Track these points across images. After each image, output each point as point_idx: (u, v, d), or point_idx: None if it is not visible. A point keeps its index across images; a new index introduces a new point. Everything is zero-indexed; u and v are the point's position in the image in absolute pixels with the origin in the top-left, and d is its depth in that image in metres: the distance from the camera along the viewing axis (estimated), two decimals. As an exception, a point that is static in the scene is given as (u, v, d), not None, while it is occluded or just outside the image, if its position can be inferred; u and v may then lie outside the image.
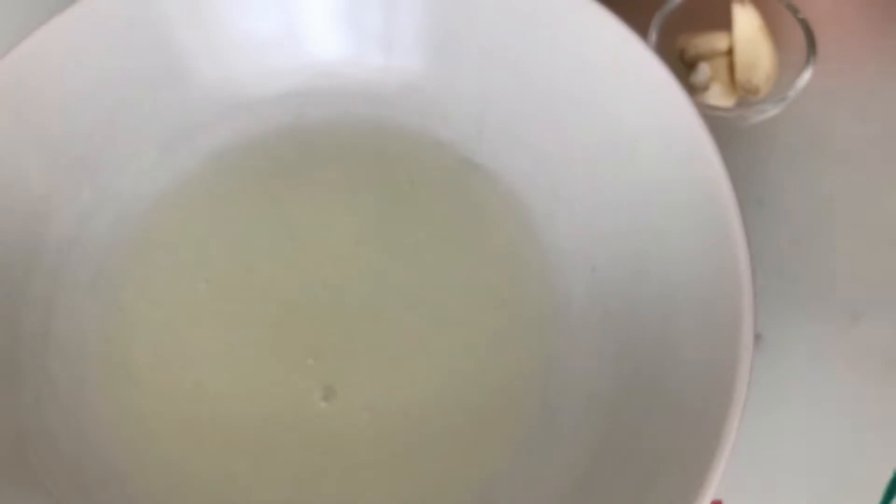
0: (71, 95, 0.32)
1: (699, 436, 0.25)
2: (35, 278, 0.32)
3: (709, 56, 0.35)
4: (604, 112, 0.31)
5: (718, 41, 0.35)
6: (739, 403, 0.24)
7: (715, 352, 0.26)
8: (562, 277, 0.32)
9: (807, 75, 0.34)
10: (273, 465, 0.30)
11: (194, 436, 0.30)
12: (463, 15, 0.32)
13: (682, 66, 0.36)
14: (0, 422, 0.29)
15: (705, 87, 0.35)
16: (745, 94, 0.35)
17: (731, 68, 0.35)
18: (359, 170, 0.35)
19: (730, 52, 0.35)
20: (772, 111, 0.34)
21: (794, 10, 0.34)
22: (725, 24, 0.35)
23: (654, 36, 0.34)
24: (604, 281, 0.31)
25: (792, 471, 0.31)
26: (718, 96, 0.35)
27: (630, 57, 0.30)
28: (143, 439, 0.31)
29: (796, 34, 0.34)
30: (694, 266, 0.28)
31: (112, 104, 0.33)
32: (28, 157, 0.32)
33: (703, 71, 0.34)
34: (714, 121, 0.34)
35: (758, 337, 0.33)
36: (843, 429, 0.31)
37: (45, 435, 0.30)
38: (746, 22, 0.35)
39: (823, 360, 0.32)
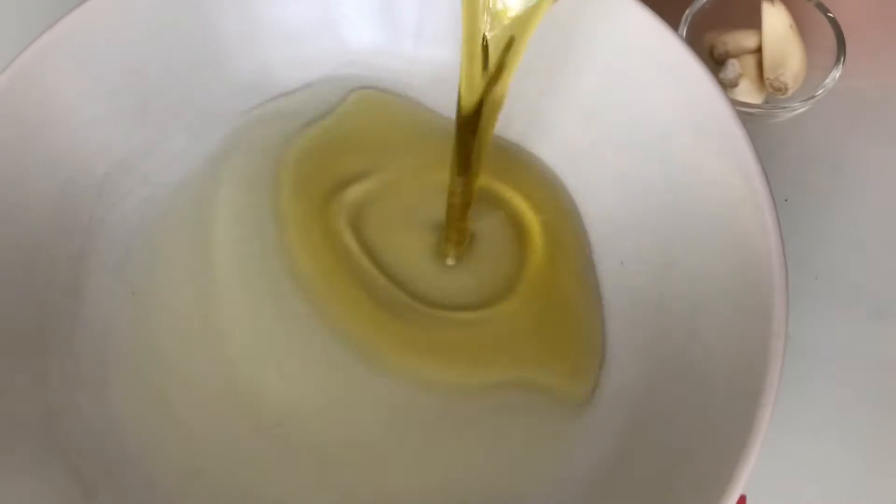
0: (103, 79, 0.32)
1: (728, 431, 0.25)
2: (62, 261, 0.32)
3: (738, 53, 0.35)
4: (635, 105, 0.31)
5: (747, 39, 0.35)
6: (771, 398, 0.24)
7: (745, 346, 0.26)
8: (589, 269, 0.32)
9: (836, 74, 0.34)
10: (296, 448, 0.30)
11: (218, 416, 0.31)
12: (495, 6, 0.32)
13: (712, 62, 0.36)
14: (28, 401, 0.29)
15: (734, 84, 0.35)
16: (774, 92, 0.35)
17: (760, 66, 0.35)
18: (389, 158, 0.35)
19: (759, 50, 0.35)
20: (800, 109, 0.34)
21: (824, 9, 0.34)
22: (755, 22, 0.35)
23: (683, 32, 0.35)
24: (632, 274, 0.31)
25: (817, 468, 0.31)
26: (747, 93, 0.35)
27: (663, 50, 0.30)
28: (167, 420, 0.31)
29: (825, 33, 0.34)
30: (724, 260, 0.28)
31: (145, 89, 0.33)
32: (58, 138, 0.31)
33: (733, 67, 0.35)
34: (741, 117, 0.34)
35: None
36: (869, 426, 0.32)
37: (71, 415, 0.30)
38: (776, 20, 0.35)
39: (849, 358, 0.33)
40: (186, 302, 0.33)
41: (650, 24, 0.30)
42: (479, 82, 0.27)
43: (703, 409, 0.26)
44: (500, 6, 0.24)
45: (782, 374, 0.25)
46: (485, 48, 0.26)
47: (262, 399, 0.31)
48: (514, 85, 0.33)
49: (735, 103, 0.34)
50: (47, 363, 0.30)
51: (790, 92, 0.35)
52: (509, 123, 0.34)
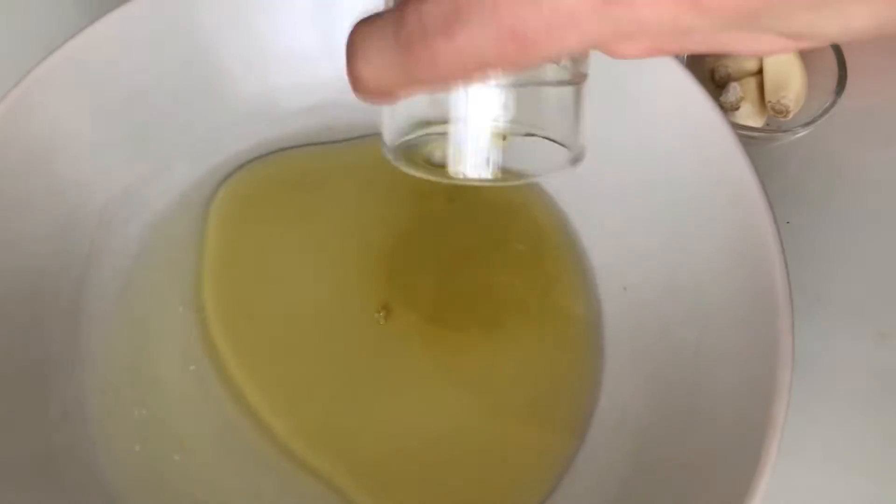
0: (104, 106, 0.32)
1: (737, 457, 0.25)
2: (64, 287, 0.32)
3: (739, 76, 0.35)
4: (636, 131, 0.31)
5: (748, 61, 0.35)
6: (779, 424, 0.24)
7: (752, 371, 0.26)
8: (592, 295, 0.32)
9: (837, 98, 0.34)
10: (299, 482, 0.30)
11: (223, 450, 0.30)
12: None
13: (712, 85, 0.36)
14: (29, 436, 0.29)
15: (735, 108, 0.35)
16: (775, 115, 0.35)
17: (761, 88, 0.35)
18: (387, 182, 0.35)
19: (760, 73, 0.35)
20: (801, 132, 0.34)
21: (824, 32, 0.34)
22: (755, 44, 0.35)
23: (684, 55, 0.34)
24: (636, 299, 0.31)
25: (822, 490, 0.31)
26: (748, 117, 0.35)
27: (663, 76, 0.30)
28: (169, 449, 0.30)
29: (826, 55, 0.35)
30: (729, 286, 0.28)
31: (145, 116, 0.33)
32: (59, 166, 0.31)
33: (734, 91, 0.35)
34: (743, 140, 0.34)
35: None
36: (874, 445, 0.31)
37: (68, 444, 0.30)
38: (776, 43, 0.35)
39: (852, 380, 0.32)
40: (188, 328, 0.32)
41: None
42: None
43: (709, 438, 0.26)
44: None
45: (790, 402, 0.24)
46: None
47: (267, 427, 0.31)
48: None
49: (736, 127, 0.34)
50: (48, 391, 0.30)
51: (791, 115, 0.35)
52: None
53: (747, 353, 0.26)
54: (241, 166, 0.35)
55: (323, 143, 0.36)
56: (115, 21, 0.30)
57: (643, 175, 0.31)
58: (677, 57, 0.34)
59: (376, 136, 0.35)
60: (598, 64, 0.31)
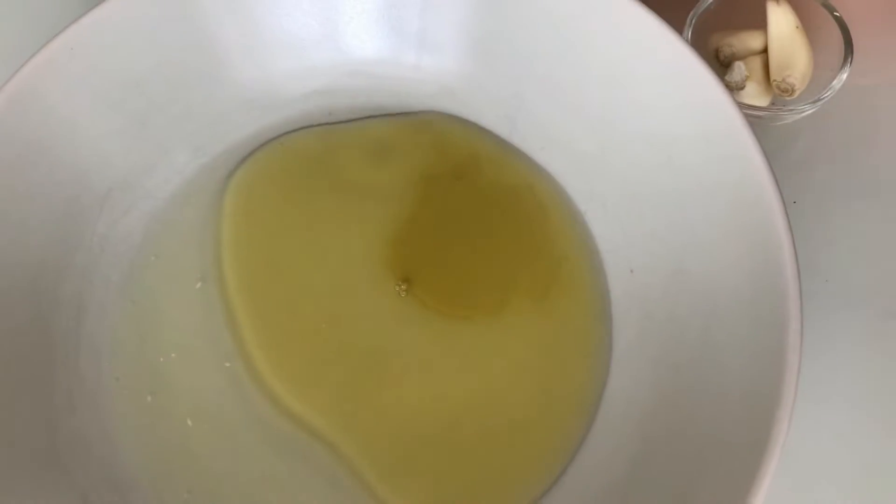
0: (103, 94, 0.31)
1: (744, 442, 0.25)
2: (67, 278, 0.32)
3: (744, 55, 0.35)
4: (641, 111, 0.31)
5: (753, 40, 0.35)
6: (788, 409, 0.24)
7: (760, 357, 0.26)
8: (600, 277, 0.32)
9: (843, 75, 0.33)
10: (311, 466, 0.30)
11: (224, 437, 0.30)
12: (498, 16, 0.32)
13: (717, 65, 0.35)
14: (33, 422, 0.29)
15: (741, 87, 0.34)
16: (781, 94, 0.34)
17: (766, 67, 0.35)
18: (394, 162, 0.34)
19: (765, 51, 0.35)
20: (807, 111, 0.34)
21: (831, 9, 0.34)
22: (760, 22, 0.35)
23: (688, 35, 0.34)
24: (643, 283, 0.31)
25: (831, 469, 0.31)
26: (753, 96, 0.34)
27: (668, 55, 0.29)
28: (173, 438, 0.30)
29: (832, 33, 0.34)
30: (736, 268, 0.27)
31: (145, 103, 0.32)
32: (60, 156, 0.31)
33: (739, 70, 0.34)
34: (749, 119, 0.34)
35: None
36: (881, 425, 0.31)
37: (76, 435, 0.30)
38: (781, 20, 0.34)
39: (859, 359, 0.32)
40: (191, 317, 0.32)
41: (654, 28, 0.29)
42: None
43: (717, 422, 0.26)
44: None
45: (798, 385, 0.24)
46: None
47: (270, 425, 0.31)
48: (520, 91, 0.33)
49: (742, 106, 0.33)
50: (53, 382, 0.30)
51: (797, 93, 0.34)
52: (515, 131, 0.34)
53: (755, 336, 0.26)
54: (248, 154, 0.35)
55: (326, 125, 0.35)
56: (111, 9, 0.30)
57: (649, 156, 0.31)
58: (682, 36, 0.34)
59: (379, 118, 0.35)
60: (601, 45, 0.31)
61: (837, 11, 0.34)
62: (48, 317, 0.31)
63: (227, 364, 0.31)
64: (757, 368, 0.25)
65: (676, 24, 0.33)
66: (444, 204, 0.34)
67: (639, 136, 0.31)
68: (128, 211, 0.33)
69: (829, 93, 0.33)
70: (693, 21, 0.34)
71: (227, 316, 0.32)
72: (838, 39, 0.34)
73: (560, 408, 0.30)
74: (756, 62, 0.35)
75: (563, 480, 0.29)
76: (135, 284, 0.33)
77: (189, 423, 0.31)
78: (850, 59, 0.33)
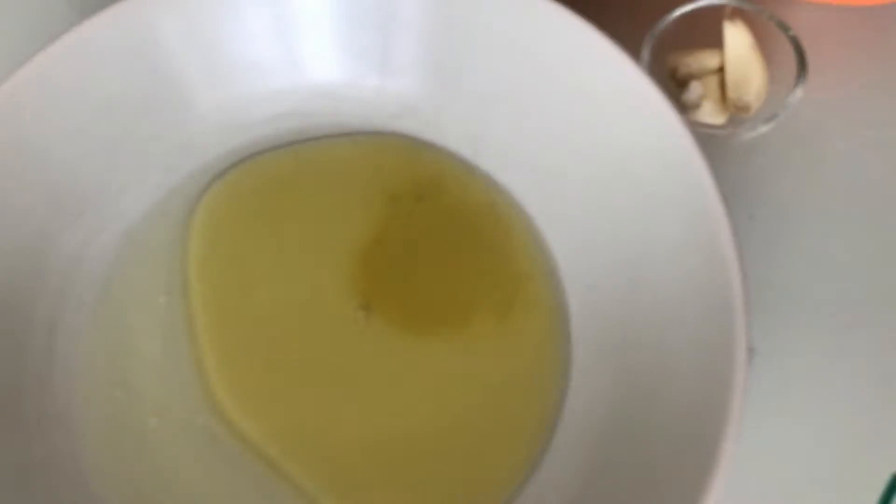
0: (72, 120, 0.32)
1: (694, 454, 0.25)
2: (40, 299, 0.32)
3: (700, 74, 0.36)
4: (597, 131, 0.31)
5: (710, 59, 0.36)
6: (735, 423, 0.25)
7: (709, 370, 0.26)
8: (558, 294, 0.32)
9: (798, 93, 0.34)
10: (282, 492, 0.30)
11: (201, 454, 0.31)
12: (459, 39, 0.33)
13: (674, 84, 0.36)
14: (4, 444, 0.29)
15: (697, 105, 0.35)
16: (737, 112, 0.35)
17: (723, 86, 0.35)
18: (359, 182, 0.35)
19: (721, 70, 0.36)
20: (763, 128, 0.34)
21: (785, 28, 0.35)
22: (717, 41, 0.36)
23: (646, 54, 0.35)
24: (600, 299, 0.31)
25: (788, 480, 0.31)
26: (710, 114, 0.35)
27: (622, 77, 0.30)
28: (143, 460, 0.31)
29: (787, 51, 0.35)
30: (687, 284, 0.28)
31: (114, 128, 0.33)
32: (31, 180, 0.32)
33: (695, 89, 0.35)
34: (706, 138, 0.35)
35: (752, 350, 0.33)
36: (838, 438, 0.32)
37: (47, 456, 0.30)
38: (737, 40, 0.35)
39: (818, 372, 0.33)
40: (163, 337, 0.33)
41: (608, 51, 0.30)
42: None
43: (669, 437, 0.27)
44: None
45: (746, 398, 0.25)
46: None
47: (245, 436, 0.31)
48: (484, 112, 0.34)
49: (698, 125, 0.34)
50: (25, 403, 0.31)
51: (753, 111, 0.35)
52: (479, 151, 0.35)
53: (704, 354, 0.27)
54: (218, 174, 0.35)
55: (295, 143, 0.36)
56: (77, 37, 0.31)
57: (603, 174, 0.31)
58: (641, 55, 0.35)
59: (346, 138, 0.36)
60: (558, 66, 0.32)
61: (792, 30, 0.35)
62: (20, 338, 0.31)
63: (189, 383, 0.32)
64: (706, 386, 0.26)
65: (634, 44, 0.34)
66: (409, 224, 0.34)
67: (595, 155, 0.32)
68: (100, 232, 0.34)
69: (784, 110, 0.34)
70: (651, 41, 0.35)
71: (191, 336, 0.33)
72: (792, 57, 0.35)
73: (520, 425, 0.31)
74: (712, 81, 0.35)
75: (521, 498, 0.30)
76: (107, 304, 0.33)
77: (158, 442, 0.31)
78: (803, 78, 0.34)
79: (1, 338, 0.31)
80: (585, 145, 0.32)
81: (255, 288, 0.34)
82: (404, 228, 0.34)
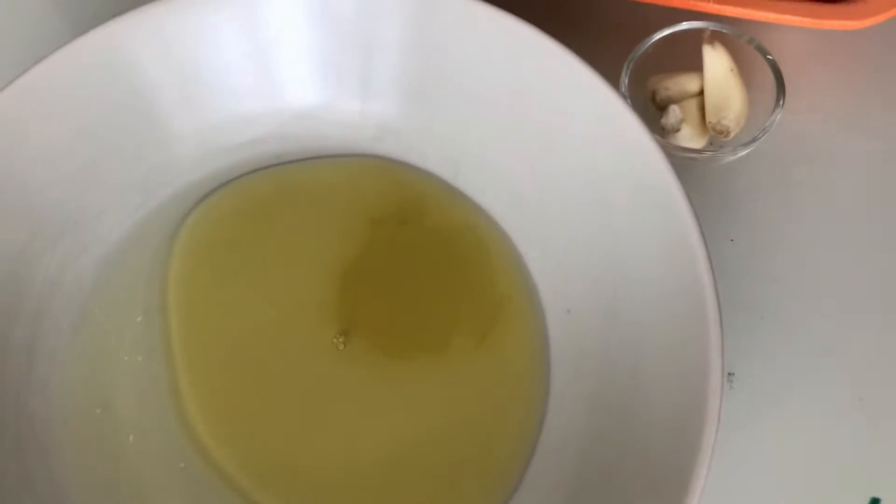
0: (52, 143, 0.32)
1: (670, 480, 0.25)
2: (18, 323, 0.32)
3: (680, 98, 0.36)
4: (576, 157, 0.31)
5: (689, 83, 0.36)
6: (708, 451, 0.25)
7: (684, 396, 0.26)
8: (538, 317, 0.32)
9: (776, 117, 0.34)
10: None
11: (176, 483, 0.31)
12: (438, 62, 0.33)
13: (654, 107, 0.36)
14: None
15: (676, 129, 0.35)
16: (717, 136, 0.35)
17: (702, 110, 0.35)
18: (340, 205, 0.35)
19: (701, 93, 0.36)
20: (742, 152, 0.35)
21: (764, 52, 0.35)
22: (697, 64, 0.36)
23: (625, 78, 0.35)
24: (579, 323, 0.31)
25: (765, 505, 0.31)
26: (689, 138, 0.35)
27: (598, 102, 0.30)
28: (124, 480, 0.31)
29: (766, 74, 0.35)
30: (664, 310, 0.28)
31: (93, 151, 0.33)
32: (11, 202, 0.32)
33: (674, 113, 0.35)
34: (685, 161, 0.35)
35: (730, 375, 0.33)
36: (815, 460, 0.32)
37: (23, 479, 0.30)
38: (717, 63, 0.35)
39: (795, 395, 0.33)
40: (143, 361, 0.33)
41: (585, 76, 0.30)
42: None
43: (644, 459, 0.27)
44: None
45: (722, 418, 0.25)
46: None
47: (217, 463, 0.31)
48: (464, 135, 0.34)
49: (677, 149, 0.34)
50: (1, 426, 0.30)
51: (732, 134, 0.35)
52: (459, 174, 0.35)
53: (679, 379, 0.27)
54: (200, 198, 0.35)
55: (276, 166, 0.36)
56: (55, 63, 0.31)
57: (583, 199, 0.31)
58: (621, 79, 0.35)
59: (328, 160, 0.36)
60: (536, 91, 0.32)
61: (770, 54, 0.35)
62: (2, 361, 0.31)
63: (165, 407, 0.32)
64: (680, 411, 0.26)
65: (614, 68, 0.34)
66: (390, 247, 0.34)
67: (574, 180, 0.32)
68: (79, 255, 0.34)
69: (763, 134, 0.34)
70: (631, 64, 0.35)
71: (167, 359, 0.33)
72: (772, 81, 0.35)
73: (498, 448, 0.31)
74: (692, 105, 0.36)
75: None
76: (85, 327, 0.33)
77: (135, 465, 0.31)
78: (781, 102, 0.34)
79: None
80: (563, 169, 0.32)
81: (234, 311, 0.34)
82: (386, 252, 0.34)
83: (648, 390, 0.28)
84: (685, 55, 0.36)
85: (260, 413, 0.32)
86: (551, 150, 0.32)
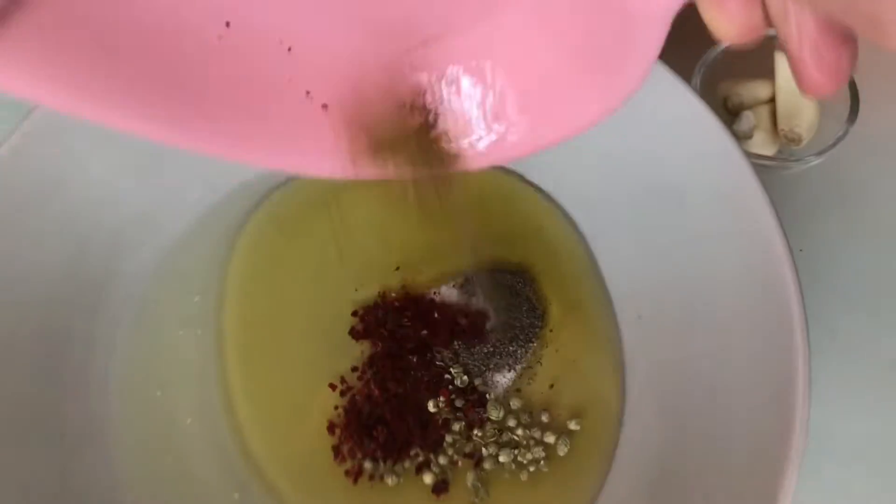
0: (116, 134, 0.31)
1: (754, 493, 0.25)
2: (78, 315, 0.32)
3: (752, 104, 0.35)
4: (651, 159, 0.31)
5: (761, 89, 0.35)
6: (796, 463, 0.24)
7: (767, 410, 0.26)
8: (608, 323, 0.32)
9: (850, 127, 0.34)
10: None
11: (230, 473, 0.31)
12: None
13: (726, 113, 0.36)
14: (44, 465, 0.29)
15: (748, 136, 0.35)
16: (788, 143, 0.35)
17: (774, 116, 0.35)
18: (398, 207, 0.35)
19: (772, 100, 0.35)
20: (814, 161, 0.34)
21: (837, 60, 0.34)
22: (768, 72, 0.35)
23: (696, 84, 0.35)
24: (650, 329, 0.31)
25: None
26: (761, 145, 0.35)
27: (678, 105, 0.30)
28: (180, 480, 0.31)
29: (839, 84, 0.34)
30: (745, 319, 0.28)
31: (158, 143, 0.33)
32: (73, 193, 0.31)
33: (747, 119, 0.35)
34: (756, 169, 0.34)
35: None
36: (889, 475, 0.31)
37: (85, 476, 0.30)
38: (789, 71, 0.35)
39: (868, 414, 0.32)
40: (203, 355, 0.32)
41: (665, 79, 0.30)
42: None
43: (723, 476, 0.26)
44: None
45: (806, 440, 0.24)
46: None
47: (266, 456, 0.31)
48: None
49: (749, 155, 0.34)
50: (63, 422, 0.30)
51: (804, 143, 0.35)
52: (531, 169, 0.34)
53: (763, 390, 0.26)
54: (263, 194, 0.35)
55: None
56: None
57: (659, 204, 0.31)
58: (691, 84, 0.34)
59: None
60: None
61: (844, 63, 0.34)
62: (59, 355, 0.31)
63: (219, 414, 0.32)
64: (764, 423, 0.25)
65: (685, 73, 0.33)
66: (454, 246, 0.34)
67: (649, 184, 0.31)
68: (139, 246, 0.33)
69: (836, 143, 0.34)
70: (702, 70, 0.35)
71: (223, 366, 0.32)
72: (845, 90, 0.34)
73: (577, 458, 0.30)
74: (764, 112, 0.35)
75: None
76: (144, 321, 0.33)
77: (196, 466, 0.31)
78: (856, 111, 0.34)
79: (41, 353, 0.30)
80: (637, 172, 0.31)
81: (298, 315, 0.33)
82: (450, 253, 0.34)
83: (727, 402, 0.27)
84: (756, 61, 0.36)
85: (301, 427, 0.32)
86: (624, 153, 0.32)
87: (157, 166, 0.33)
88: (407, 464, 0.31)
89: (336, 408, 0.31)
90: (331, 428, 0.31)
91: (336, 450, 0.31)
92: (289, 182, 0.35)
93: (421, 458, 0.31)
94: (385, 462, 0.30)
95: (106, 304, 0.32)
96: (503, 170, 0.35)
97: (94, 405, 0.31)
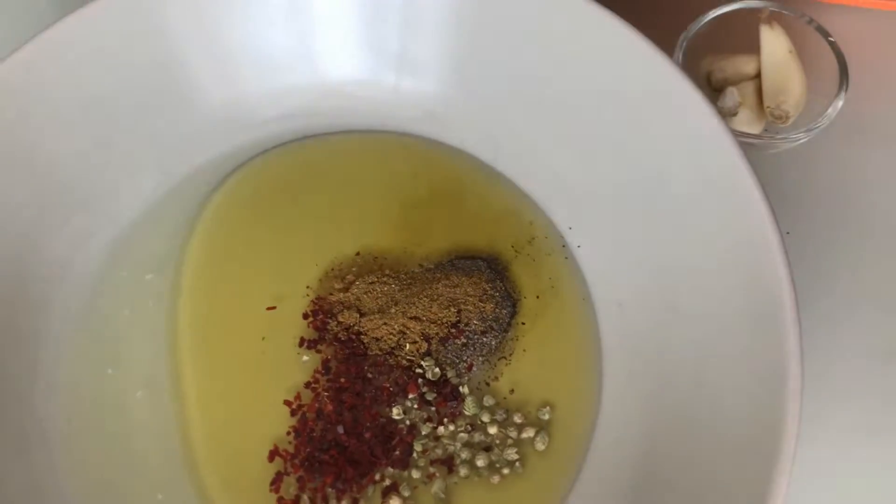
0: (64, 114, 0.30)
1: (744, 490, 0.23)
2: (25, 309, 0.30)
3: (736, 80, 0.34)
4: (632, 139, 0.29)
5: (746, 64, 0.34)
6: (788, 460, 0.23)
7: (758, 399, 0.24)
8: (585, 312, 0.30)
9: (838, 103, 0.32)
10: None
11: (183, 475, 0.29)
12: (481, 37, 0.31)
13: (709, 89, 0.34)
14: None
15: (733, 113, 0.33)
16: (774, 121, 0.33)
17: (760, 93, 0.33)
18: (364, 190, 0.33)
19: (758, 76, 0.34)
20: (802, 139, 0.32)
21: (825, 33, 0.33)
22: (753, 46, 0.34)
23: (679, 58, 0.33)
24: (632, 318, 0.29)
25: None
26: (746, 123, 0.33)
27: (659, 79, 0.28)
28: (137, 478, 0.29)
29: (827, 58, 0.33)
30: (731, 305, 0.26)
31: (109, 125, 0.31)
32: (16, 178, 0.29)
33: (732, 96, 0.33)
34: (742, 148, 0.33)
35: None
36: (880, 467, 0.30)
37: (27, 481, 0.28)
38: (775, 45, 0.33)
39: (855, 400, 0.31)
40: (156, 350, 0.31)
41: (645, 52, 0.28)
42: None
43: (711, 472, 0.25)
44: None
45: (799, 434, 0.23)
46: None
47: (221, 454, 0.30)
48: (505, 114, 0.32)
49: (734, 133, 0.32)
50: (6, 423, 0.28)
51: (791, 120, 0.33)
52: (500, 155, 0.33)
53: (753, 380, 0.24)
54: (221, 179, 0.33)
55: (299, 141, 0.34)
56: (70, 26, 0.28)
57: (638, 186, 0.29)
58: (673, 59, 0.33)
59: (356, 137, 0.33)
60: (590, 67, 0.30)
61: (832, 36, 0.33)
62: (5, 352, 0.29)
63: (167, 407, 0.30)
64: (755, 414, 0.24)
65: (667, 47, 0.32)
66: (422, 231, 0.32)
67: (630, 165, 0.29)
68: (89, 237, 0.31)
69: (824, 121, 0.32)
70: (685, 44, 0.33)
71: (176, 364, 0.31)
72: (833, 65, 0.33)
73: (551, 451, 0.29)
74: (749, 88, 0.33)
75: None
76: (93, 314, 0.31)
77: (147, 464, 0.29)
78: (845, 86, 0.32)
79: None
80: (616, 153, 0.30)
81: (250, 308, 0.31)
82: (417, 237, 0.32)
83: (714, 394, 0.26)
84: (741, 35, 0.34)
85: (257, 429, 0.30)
86: (604, 130, 0.30)
87: (107, 151, 0.31)
88: (370, 491, 0.29)
89: (288, 433, 0.29)
90: (272, 455, 0.29)
91: (277, 477, 0.29)
92: (248, 163, 0.33)
93: (388, 483, 0.29)
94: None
95: (54, 297, 0.30)
96: (475, 156, 0.33)
97: (38, 407, 0.29)
